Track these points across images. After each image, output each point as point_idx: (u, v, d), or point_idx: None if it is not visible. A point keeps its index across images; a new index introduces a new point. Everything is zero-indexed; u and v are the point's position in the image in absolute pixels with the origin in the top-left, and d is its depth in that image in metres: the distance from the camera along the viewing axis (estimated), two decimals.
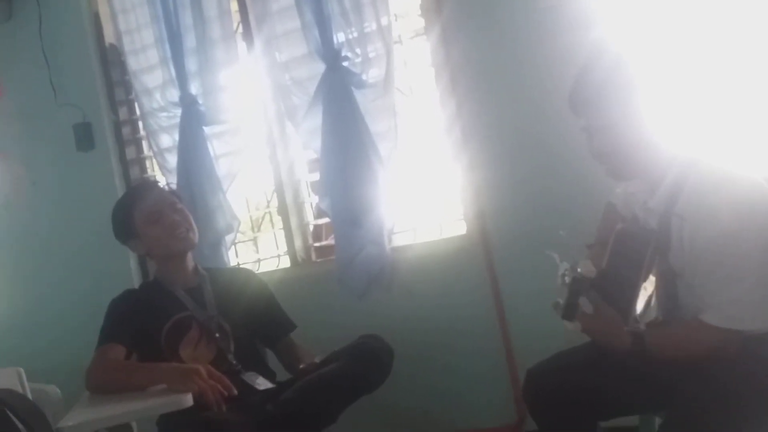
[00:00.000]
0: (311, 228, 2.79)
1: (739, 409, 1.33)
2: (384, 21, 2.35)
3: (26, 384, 2.00)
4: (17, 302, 3.10)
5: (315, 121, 2.47)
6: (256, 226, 3.25)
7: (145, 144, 2.99)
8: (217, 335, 2.02)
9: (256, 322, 2.12)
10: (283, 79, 2.55)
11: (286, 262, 2.75)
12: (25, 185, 3.07)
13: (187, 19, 2.67)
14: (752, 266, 1.35)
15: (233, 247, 2.80)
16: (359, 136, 2.38)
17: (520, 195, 2.28)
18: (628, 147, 1.46)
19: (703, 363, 1.38)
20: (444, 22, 2.36)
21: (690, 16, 1.99)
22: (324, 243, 2.74)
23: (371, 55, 2.37)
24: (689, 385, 1.37)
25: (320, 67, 2.43)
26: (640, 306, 1.54)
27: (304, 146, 2.64)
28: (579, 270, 1.46)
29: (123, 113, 2.99)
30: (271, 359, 2.19)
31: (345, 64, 2.41)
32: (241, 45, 2.71)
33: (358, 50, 2.39)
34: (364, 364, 1.86)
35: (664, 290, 1.52)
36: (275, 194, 2.76)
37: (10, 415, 1.60)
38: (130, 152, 2.98)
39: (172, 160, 2.78)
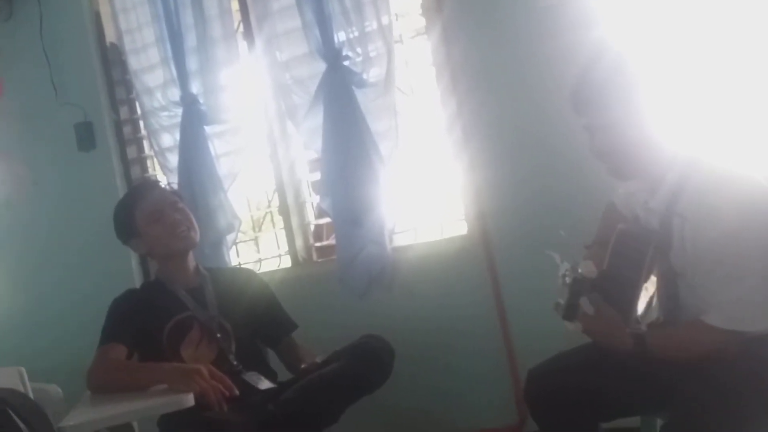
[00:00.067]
0: (312, 228, 2.79)
1: (740, 410, 1.32)
2: (385, 20, 2.35)
3: (28, 383, 2.00)
4: (19, 302, 3.10)
5: (316, 120, 2.47)
6: (257, 226, 3.25)
7: (146, 143, 2.99)
8: (219, 335, 2.02)
9: (257, 321, 2.12)
10: (283, 78, 2.55)
11: (287, 262, 2.75)
12: (26, 185, 3.07)
13: (187, 18, 2.67)
14: (754, 266, 1.35)
15: (234, 246, 2.80)
16: (360, 135, 2.38)
17: (521, 195, 2.27)
18: (629, 146, 1.46)
19: (704, 363, 1.37)
20: (445, 21, 2.35)
21: (691, 15, 1.98)
22: (325, 243, 2.74)
23: (372, 54, 2.37)
24: (691, 385, 1.37)
25: (321, 67, 2.43)
26: (641, 306, 1.54)
27: (305, 146, 2.64)
28: (580, 270, 1.46)
29: (124, 112, 2.98)
30: (273, 359, 2.20)
31: (346, 63, 2.41)
32: (242, 44, 2.71)
33: (358, 49, 2.39)
34: (366, 364, 1.86)
35: (665, 290, 1.52)
36: (276, 194, 2.76)
37: (12, 414, 1.60)
38: (131, 152, 2.98)
39: (173, 159, 2.78)
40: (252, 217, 3.10)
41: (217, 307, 2.06)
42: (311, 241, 2.76)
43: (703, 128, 1.62)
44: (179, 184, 2.68)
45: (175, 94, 2.74)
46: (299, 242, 2.72)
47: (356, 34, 2.38)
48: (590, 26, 2.02)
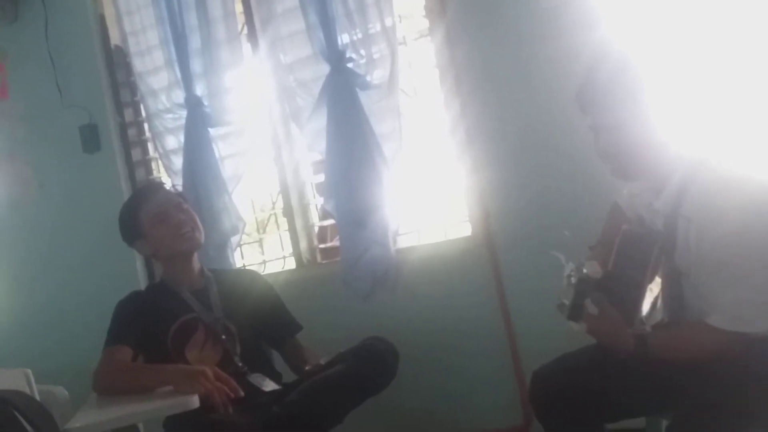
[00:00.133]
0: (316, 229, 2.79)
1: (745, 411, 1.33)
2: (388, 22, 2.35)
3: (34, 385, 2.00)
4: (24, 303, 3.11)
5: (320, 122, 2.47)
6: (261, 228, 3.25)
7: (150, 146, 3.00)
8: (223, 337, 2.03)
9: (261, 323, 2.12)
10: (287, 80, 2.56)
11: (291, 264, 2.76)
12: (31, 187, 3.08)
13: (192, 20, 2.68)
14: (758, 267, 1.35)
15: (239, 248, 2.81)
16: (364, 137, 2.38)
17: (524, 196, 2.27)
18: (634, 147, 1.47)
19: (708, 364, 1.37)
20: (448, 23, 2.35)
21: (695, 16, 1.98)
22: (329, 244, 2.75)
23: (376, 56, 2.37)
24: (695, 386, 1.37)
25: (325, 69, 2.43)
26: (645, 307, 1.54)
27: (308, 147, 2.64)
28: (585, 271, 1.46)
29: (129, 115, 2.99)
30: (277, 361, 2.20)
31: (349, 65, 2.41)
32: (246, 46, 2.72)
33: (362, 51, 2.39)
34: (370, 366, 1.86)
35: (670, 291, 1.52)
36: (280, 196, 2.76)
37: (18, 416, 1.60)
38: (136, 154, 2.99)
39: (178, 161, 2.78)
40: (256, 218, 3.11)
41: (221, 308, 2.07)
42: (315, 242, 2.76)
43: (707, 129, 1.62)
44: (184, 186, 2.69)
45: (179, 96, 2.75)
46: (303, 244, 2.72)
47: (360, 36, 2.39)
48: (593, 27, 2.02)
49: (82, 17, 2.94)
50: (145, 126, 2.97)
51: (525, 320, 2.29)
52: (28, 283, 3.11)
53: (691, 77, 1.55)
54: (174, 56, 2.72)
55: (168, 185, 2.52)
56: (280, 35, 2.56)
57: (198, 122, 2.71)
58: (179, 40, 2.69)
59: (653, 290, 1.55)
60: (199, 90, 2.71)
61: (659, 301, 1.56)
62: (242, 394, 1.77)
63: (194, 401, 1.70)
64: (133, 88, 2.97)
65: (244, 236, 2.81)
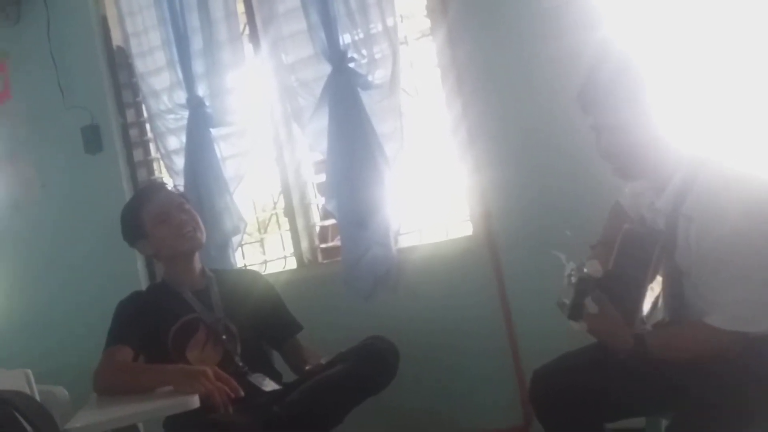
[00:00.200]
0: (317, 229, 2.79)
1: (745, 410, 1.32)
2: (390, 22, 2.35)
3: (34, 386, 2.01)
4: (25, 303, 3.12)
5: (321, 122, 2.47)
6: (262, 228, 3.26)
7: (152, 146, 3.00)
8: (224, 337, 2.03)
9: (262, 323, 2.12)
10: (289, 80, 2.56)
11: (292, 264, 2.76)
12: (33, 187, 3.09)
13: (193, 21, 2.68)
14: (759, 267, 1.35)
15: (240, 248, 2.81)
16: (365, 137, 2.38)
17: (526, 195, 2.27)
18: (636, 146, 1.46)
19: (708, 364, 1.37)
20: (450, 22, 2.35)
21: (697, 15, 1.97)
22: (330, 244, 2.74)
23: (377, 56, 2.37)
24: (696, 386, 1.36)
25: (326, 69, 2.43)
26: (646, 306, 1.54)
27: (310, 148, 2.64)
28: (585, 270, 1.45)
29: (130, 115, 3.00)
30: (278, 360, 2.20)
31: (351, 65, 2.41)
32: (248, 47, 2.72)
33: (364, 51, 2.39)
34: (371, 366, 1.86)
35: (671, 290, 1.52)
36: (282, 196, 2.76)
37: (18, 416, 1.61)
38: (138, 154, 2.99)
39: (180, 162, 2.79)
40: (257, 219, 3.11)
41: (222, 308, 2.07)
42: (316, 242, 2.76)
43: (709, 128, 1.62)
44: (185, 186, 2.69)
45: (181, 96, 2.75)
46: (304, 244, 2.72)
47: (361, 36, 2.39)
48: (595, 26, 2.02)
49: (85, 18, 2.95)
50: (147, 126, 2.98)
51: (526, 320, 2.29)
52: (29, 283, 3.12)
53: (693, 76, 1.54)
54: (176, 57, 2.72)
55: (170, 185, 2.52)
56: (281, 35, 2.56)
57: (200, 123, 2.71)
58: (181, 41, 2.70)
59: (654, 289, 1.55)
60: (201, 90, 2.71)
61: (660, 300, 1.56)
62: (243, 394, 1.77)
63: (194, 401, 1.69)
64: (135, 89, 2.98)
65: (245, 236, 2.81)
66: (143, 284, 2.81)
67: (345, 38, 2.41)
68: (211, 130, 2.72)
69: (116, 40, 2.97)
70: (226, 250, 2.71)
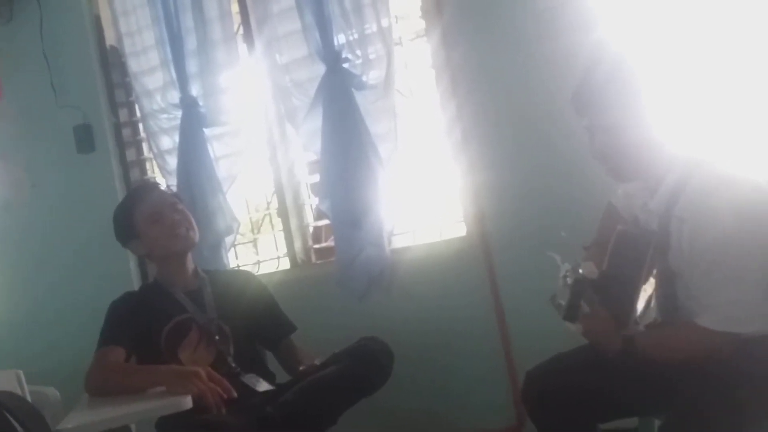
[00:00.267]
0: (311, 230, 2.79)
1: (738, 412, 1.32)
2: (384, 23, 2.35)
3: (25, 386, 2.00)
4: (16, 304, 3.10)
5: (315, 122, 2.47)
6: (255, 228, 3.25)
7: (145, 146, 2.99)
8: (217, 338, 2.02)
9: (255, 324, 2.12)
10: (283, 80, 2.55)
11: (285, 264, 2.75)
12: (25, 187, 3.07)
13: (187, 21, 2.67)
14: (751, 268, 1.35)
15: (233, 248, 2.80)
16: (359, 137, 2.38)
17: (519, 196, 2.27)
18: (629, 147, 1.47)
19: (700, 365, 1.37)
20: (444, 23, 2.36)
21: (691, 16, 1.98)
22: (324, 245, 2.74)
23: (372, 56, 2.37)
24: (688, 386, 1.37)
25: (321, 69, 2.43)
26: (640, 307, 1.54)
27: (304, 148, 2.64)
28: (580, 271, 1.46)
29: (123, 115, 2.99)
30: (271, 361, 2.19)
31: (345, 65, 2.41)
32: (242, 47, 2.71)
33: (358, 52, 2.39)
34: (365, 366, 1.86)
35: (663, 291, 1.52)
36: (275, 196, 2.76)
37: (9, 417, 1.60)
38: (131, 154, 2.98)
39: (173, 162, 2.78)
40: (251, 219, 3.10)
41: (215, 309, 2.06)
42: (310, 243, 2.76)
43: (703, 130, 1.62)
44: (178, 186, 2.68)
45: (174, 96, 2.74)
46: (298, 244, 2.72)
47: (356, 36, 2.39)
48: (590, 28, 2.02)
49: (78, 17, 2.93)
50: (140, 126, 2.97)
51: (519, 320, 2.29)
52: (20, 283, 3.10)
53: (686, 78, 1.55)
54: (169, 56, 2.72)
55: (163, 185, 2.51)
56: (276, 35, 2.56)
57: (193, 122, 2.70)
58: (175, 41, 2.69)
59: (647, 290, 1.55)
60: (195, 90, 2.71)
61: (653, 301, 1.56)
62: (235, 394, 1.77)
63: (187, 402, 1.69)
64: (128, 89, 2.97)
65: (238, 236, 2.81)
66: (135, 284, 2.80)
67: (339, 39, 2.41)
68: (205, 129, 2.71)
69: (109, 39, 2.96)
70: (219, 251, 2.70)
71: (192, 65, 2.69)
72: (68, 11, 2.94)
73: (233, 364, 2.00)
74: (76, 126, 2.94)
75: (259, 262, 2.87)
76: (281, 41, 2.56)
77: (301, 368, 1.99)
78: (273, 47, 2.56)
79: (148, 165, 3.02)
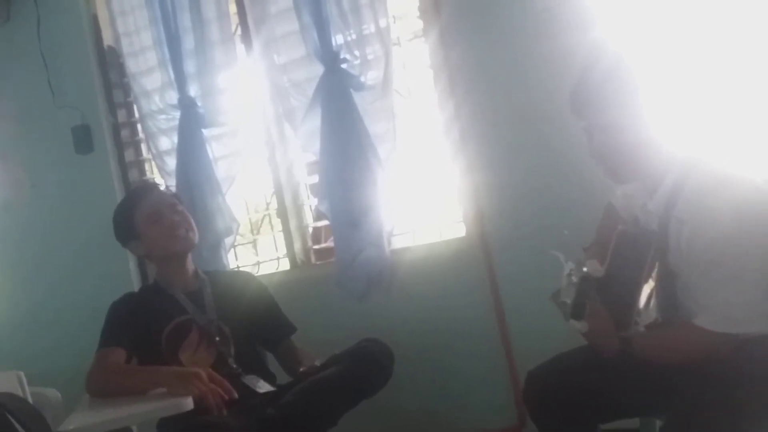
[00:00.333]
0: (310, 230, 2.79)
1: (739, 412, 1.33)
2: (382, 23, 2.35)
3: (26, 387, 2.00)
4: (17, 305, 3.09)
5: (314, 123, 2.47)
6: (255, 229, 3.25)
7: (143, 146, 2.99)
8: (217, 339, 2.02)
9: (256, 325, 2.12)
10: (281, 81, 2.55)
11: (285, 265, 2.75)
12: (24, 187, 3.06)
13: (185, 21, 2.67)
14: (750, 269, 1.36)
15: (232, 249, 2.80)
16: (358, 138, 2.38)
17: (519, 196, 2.28)
18: (627, 147, 1.47)
19: (698, 365, 1.38)
20: (442, 24, 2.36)
21: (689, 16, 1.99)
22: (323, 245, 2.74)
23: (370, 57, 2.37)
24: (689, 386, 1.37)
25: (319, 69, 2.43)
26: (640, 307, 1.54)
27: (302, 148, 2.64)
28: (585, 269, 1.46)
29: (122, 116, 2.98)
30: (272, 362, 2.19)
31: (343, 66, 2.41)
32: (240, 47, 2.71)
33: (356, 52, 2.39)
34: (365, 367, 1.86)
35: (663, 291, 1.53)
36: (274, 196, 2.76)
37: (11, 418, 1.60)
38: (129, 155, 2.98)
39: (171, 162, 2.78)
40: (250, 219, 3.10)
41: (215, 310, 2.06)
42: (309, 243, 2.76)
43: (701, 130, 1.63)
44: (177, 187, 2.69)
45: (172, 97, 2.74)
46: (297, 245, 2.72)
47: (354, 36, 2.38)
48: (587, 28, 2.03)
49: (75, 18, 2.93)
50: (139, 127, 2.96)
51: (519, 321, 2.30)
52: (20, 284, 3.10)
53: (684, 78, 1.55)
54: (167, 57, 2.71)
55: (162, 186, 2.51)
56: (273, 36, 2.56)
57: (191, 123, 2.70)
58: (173, 41, 2.69)
59: (645, 290, 1.55)
60: (193, 91, 2.70)
61: (652, 301, 1.57)
62: (236, 395, 1.77)
63: (188, 403, 1.69)
64: (126, 89, 2.96)
65: (237, 237, 2.81)
66: (135, 285, 2.80)
67: (337, 39, 2.41)
68: (203, 130, 2.71)
69: (107, 39, 2.95)
70: (218, 251, 2.70)
71: (190, 66, 2.69)
72: (66, 11, 2.94)
73: (234, 365, 2.00)
74: (74, 126, 2.93)
75: (258, 263, 2.87)
76: (279, 42, 2.56)
77: (301, 369, 1.99)
78: (271, 48, 2.56)
79: (146, 165, 3.02)
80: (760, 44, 1.93)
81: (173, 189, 2.64)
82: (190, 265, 2.13)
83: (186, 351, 1.99)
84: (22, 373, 2.01)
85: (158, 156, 2.83)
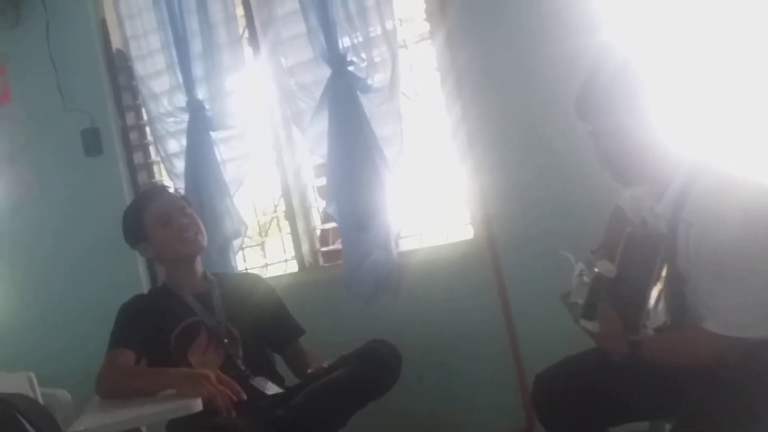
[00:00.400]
0: (318, 232, 2.80)
1: (748, 415, 1.33)
2: (389, 25, 2.35)
3: (37, 389, 2.02)
4: (27, 307, 3.11)
5: (321, 125, 2.48)
6: (263, 231, 3.26)
7: (152, 149, 3.00)
8: (226, 341, 2.03)
9: (264, 327, 2.13)
10: (288, 83, 2.56)
11: (293, 267, 2.76)
12: (33, 190, 3.08)
13: (193, 24, 2.68)
14: (758, 272, 1.35)
15: (241, 251, 2.81)
16: (365, 140, 2.38)
17: (526, 199, 2.27)
18: (634, 151, 1.47)
19: (706, 369, 1.38)
20: (449, 26, 2.36)
21: (696, 19, 1.98)
22: (331, 247, 2.75)
23: (376, 59, 2.38)
24: (698, 390, 1.37)
25: (326, 72, 2.44)
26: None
27: (310, 151, 2.64)
28: (596, 270, 1.46)
29: (130, 118, 3.00)
30: (280, 364, 2.20)
31: (350, 68, 2.41)
32: (247, 50, 2.72)
33: (363, 55, 2.40)
34: (373, 369, 1.86)
35: (671, 294, 1.52)
36: (282, 199, 2.76)
37: (21, 419, 1.61)
38: (138, 157, 2.99)
39: (180, 165, 2.79)
40: (258, 222, 3.11)
41: (224, 312, 2.07)
42: (317, 245, 2.77)
43: (709, 133, 1.62)
44: (186, 189, 2.70)
45: (181, 100, 2.75)
46: (305, 247, 2.73)
47: (361, 39, 2.39)
48: (595, 30, 2.03)
49: (84, 21, 2.94)
50: (147, 129, 2.98)
51: (527, 323, 2.29)
52: (30, 286, 3.11)
53: (692, 80, 1.55)
54: (175, 60, 2.73)
55: (171, 189, 2.52)
56: (281, 39, 2.57)
57: (199, 126, 2.71)
58: (180, 44, 2.70)
59: (654, 293, 1.55)
60: (201, 93, 2.71)
61: (660, 304, 1.56)
62: (245, 397, 1.78)
63: (197, 405, 1.70)
64: (134, 92, 2.98)
65: (246, 239, 2.82)
66: (145, 287, 2.81)
67: (344, 41, 2.42)
68: (211, 133, 2.72)
69: (116, 43, 2.96)
70: (226, 254, 2.71)
71: (198, 69, 2.70)
72: (74, 15, 2.95)
73: (242, 367, 2.01)
74: (83, 129, 2.95)
75: (266, 265, 2.88)
76: (286, 44, 2.56)
77: (309, 371, 2.00)
78: (278, 50, 2.57)
79: (155, 168, 3.03)
80: (766, 46, 1.92)
81: (182, 191, 2.65)
82: (199, 267, 2.14)
83: (195, 353, 2.00)
84: (32, 374, 2.02)
85: (167, 158, 2.85)
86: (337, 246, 2.66)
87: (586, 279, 1.47)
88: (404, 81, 2.45)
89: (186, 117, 2.75)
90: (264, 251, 3.07)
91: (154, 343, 1.99)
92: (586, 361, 1.59)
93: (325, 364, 1.97)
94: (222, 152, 2.73)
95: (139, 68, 2.85)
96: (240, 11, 2.72)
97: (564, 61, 2.08)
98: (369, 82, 2.40)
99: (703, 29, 1.96)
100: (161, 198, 2.13)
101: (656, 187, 1.51)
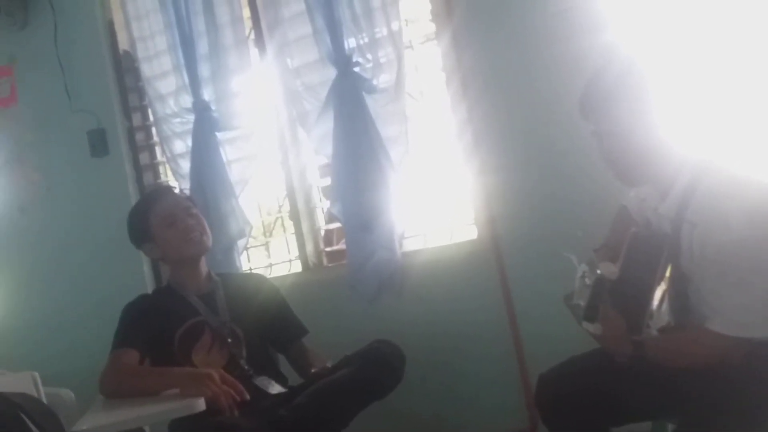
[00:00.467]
0: (322, 233, 2.80)
1: (751, 416, 1.32)
2: (395, 26, 2.36)
3: (41, 388, 2.02)
4: (32, 306, 3.12)
5: (326, 126, 2.48)
6: (268, 231, 3.26)
7: (158, 150, 3.01)
8: (230, 340, 2.03)
9: (268, 327, 2.13)
10: (294, 84, 2.57)
11: (297, 267, 2.76)
12: (40, 191, 3.10)
13: (199, 25, 2.69)
14: (762, 272, 1.35)
15: (245, 251, 2.82)
16: (370, 141, 2.38)
17: (530, 199, 2.27)
18: (638, 151, 1.47)
19: (712, 369, 1.37)
20: (455, 26, 2.36)
21: (701, 20, 1.98)
22: (335, 248, 2.75)
23: (382, 60, 2.38)
24: (702, 390, 1.36)
25: (331, 73, 2.44)
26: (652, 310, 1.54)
27: (315, 151, 2.65)
28: (599, 271, 1.45)
29: (137, 119, 3.01)
30: (283, 364, 2.20)
31: (356, 69, 2.42)
32: (254, 51, 2.73)
33: (369, 55, 2.40)
34: (377, 369, 1.86)
35: (675, 294, 1.52)
36: (287, 199, 2.77)
37: (25, 419, 1.62)
38: (144, 158, 3.00)
39: (185, 165, 2.80)
40: (263, 222, 3.11)
41: (228, 312, 2.08)
42: (321, 246, 2.77)
43: (712, 133, 1.62)
44: (191, 190, 2.70)
45: (187, 100, 2.76)
46: (310, 247, 2.73)
47: (366, 40, 2.39)
48: (600, 31, 2.02)
49: (91, 23, 2.96)
50: (153, 130, 2.99)
51: (531, 323, 2.29)
52: (35, 286, 3.12)
53: (696, 81, 1.54)
54: (182, 61, 2.73)
55: (176, 189, 2.53)
56: (287, 40, 2.57)
57: (205, 126, 2.72)
58: (187, 45, 2.71)
59: (657, 293, 1.55)
60: (207, 94, 2.72)
61: (664, 304, 1.56)
62: (248, 397, 1.78)
63: (200, 404, 1.70)
64: (141, 93, 2.99)
65: (250, 239, 2.82)
66: (149, 287, 2.82)
67: (350, 42, 2.42)
68: (217, 133, 2.73)
69: (122, 44, 2.98)
70: (231, 254, 2.71)
71: (204, 69, 2.71)
72: (82, 16, 2.97)
73: (246, 367, 2.01)
74: (90, 130, 2.96)
75: (271, 265, 2.89)
76: (292, 45, 2.57)
77: (313, 371, 2.00)
78: (284, 51, 2.58)
79: (161, 169, 3.04)
80: None
81: (187, 192, 2.65)
82: (204, 267, 2.14)
83: (199, 352, 2.01)
84: (36, 374, 2.03)
85: (172, 159, 2.85)
86: (342, 246, 2.66)
87: (588, 281, 1.46)
88: (410, 81, 2.45)
89: (192, 118, 2.76)
90: (268, 251, 3.06)
91: (158, 343, 2.00)
92: (590, 362, 1.59)
93: (329, 364, 1.97)
94: (227, 153, 2.74)
95: (146, 69, 2.86)
96: (246, 13, 2.72)
97: (569, 62, 2.08)
98: (374, 82, 2.40)
99: (707, 30, 1.95)
100: (167, 198, 2.14)
101: (660, 188, 1.50)
